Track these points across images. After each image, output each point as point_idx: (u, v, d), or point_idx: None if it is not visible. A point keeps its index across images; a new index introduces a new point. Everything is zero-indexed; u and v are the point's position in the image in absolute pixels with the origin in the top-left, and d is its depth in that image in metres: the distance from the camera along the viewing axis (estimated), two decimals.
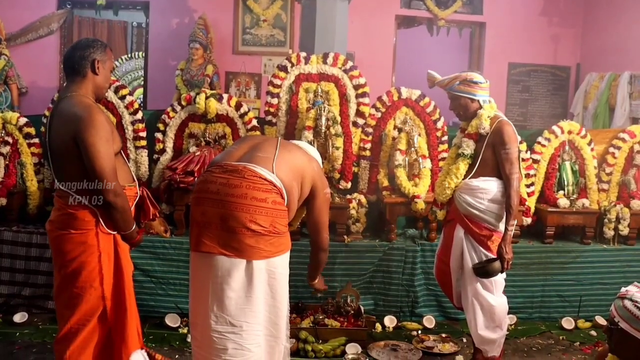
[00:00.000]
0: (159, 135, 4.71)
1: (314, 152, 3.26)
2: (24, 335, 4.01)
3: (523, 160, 4.71)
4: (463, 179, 3.61)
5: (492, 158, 3.49)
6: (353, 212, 4.59)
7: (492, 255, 3.44)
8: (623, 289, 2.21)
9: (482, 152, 3.51)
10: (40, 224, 4.36)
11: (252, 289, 2.69)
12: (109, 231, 2.75)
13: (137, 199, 2.91)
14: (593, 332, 4.45)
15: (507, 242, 3.36)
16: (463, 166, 3.61)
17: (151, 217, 2.99)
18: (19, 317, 4.21)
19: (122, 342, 2.78)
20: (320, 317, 4.18)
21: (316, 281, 3.34)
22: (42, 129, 4.60)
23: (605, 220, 4.75)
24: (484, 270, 3.40)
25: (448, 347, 4.05)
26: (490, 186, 3.48)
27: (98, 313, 2.74)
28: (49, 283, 4.16)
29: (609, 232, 4.74)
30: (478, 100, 3.56)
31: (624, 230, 4.72)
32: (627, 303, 2.14)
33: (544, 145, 4.88)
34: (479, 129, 3.51)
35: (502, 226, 3.47)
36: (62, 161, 2.75)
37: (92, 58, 2.80)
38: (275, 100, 4.75)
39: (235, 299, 2.68)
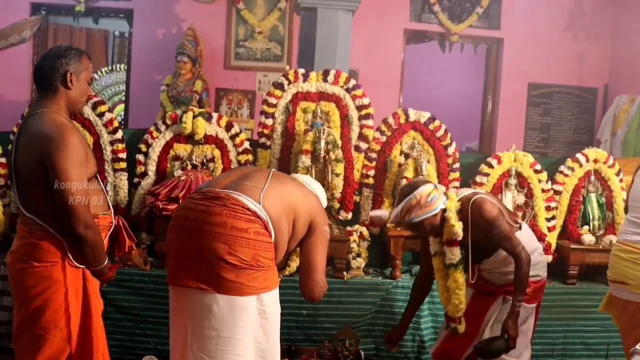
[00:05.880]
0: (140, 157, 4.71)
1: (315, 185, 3.26)
2: None
3: (543, 191, 4.72)
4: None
5: (488, 236, 3.41)
6: (354, 245, 4.58)
7: (528, 305, 3.47)
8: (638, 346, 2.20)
9: (473, 240, 3.42)
10: (5, 254, 4.32)
11: (236, 330, 2.66)
12: (77, 265, 2.73)
13: (111, 229, 2.89)
14: None
15: (514, 318, 3.32)
16: (459, 275, 3.48)
17: (126, 250, 2.98)
18: None
19: None
20: None
21: None
22: (10, 147, 4.60)
23: None
24: (486, 349, 3.38)
25: None
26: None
27: (63, 358, 2.70)
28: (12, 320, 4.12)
29: None
30: (441, 210, 3.42)
31: None
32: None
33: (566, 175, 4.87)
34: (453, 237, 3.42)
35: (543, 272, 3.60)
36: (27, 185, 2.74)
37: (63, 70, 2.78)
38: (269, 121, 4.77)
39: (215, 338, 2.66)
